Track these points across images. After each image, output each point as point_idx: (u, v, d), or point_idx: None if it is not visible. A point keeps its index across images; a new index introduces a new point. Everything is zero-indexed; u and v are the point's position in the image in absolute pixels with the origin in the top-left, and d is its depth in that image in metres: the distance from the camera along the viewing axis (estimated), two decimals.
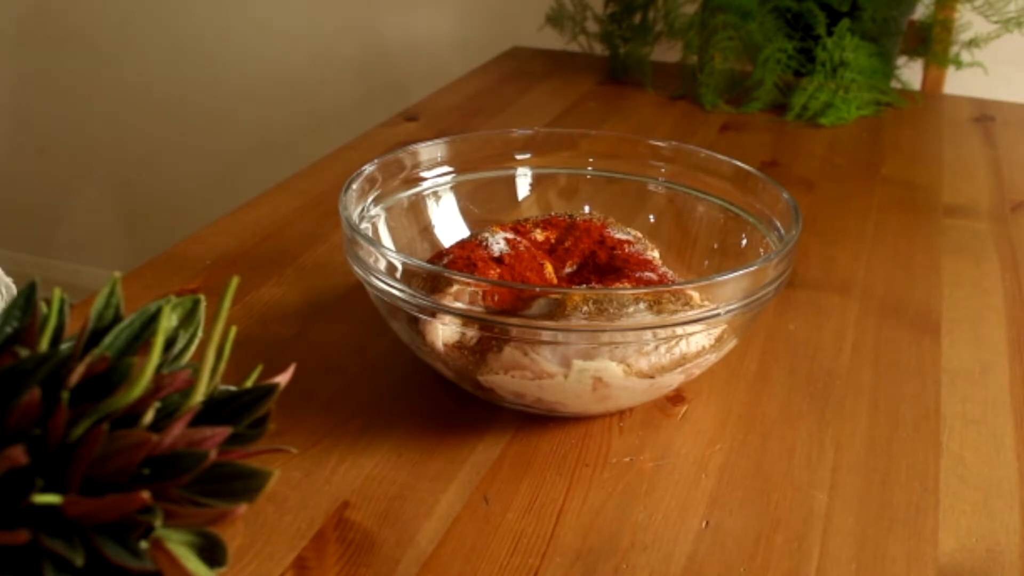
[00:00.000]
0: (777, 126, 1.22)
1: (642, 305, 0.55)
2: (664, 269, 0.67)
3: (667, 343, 0.57)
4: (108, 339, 0.35)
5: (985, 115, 1.29)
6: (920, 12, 1.40)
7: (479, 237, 0.67)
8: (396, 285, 0.57)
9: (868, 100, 1.26)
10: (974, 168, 1.10)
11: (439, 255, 0.66)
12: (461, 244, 0.67)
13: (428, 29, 1.84)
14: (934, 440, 0.61)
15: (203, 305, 0.39)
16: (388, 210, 0.71)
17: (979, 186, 1.05)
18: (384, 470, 0.56)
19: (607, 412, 0.62)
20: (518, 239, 0.67)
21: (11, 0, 2.09)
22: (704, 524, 0.53)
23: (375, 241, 0.61)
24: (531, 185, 0.78)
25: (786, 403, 0.64)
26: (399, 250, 0.66)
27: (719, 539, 0.52)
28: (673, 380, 0.59)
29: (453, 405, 0.62)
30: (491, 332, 0.56)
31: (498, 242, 0.66)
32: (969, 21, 1.37)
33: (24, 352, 0.33)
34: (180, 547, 0.33)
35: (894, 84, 1.38)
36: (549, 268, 0.67)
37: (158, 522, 0.32)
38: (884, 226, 0.93)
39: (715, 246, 0.73)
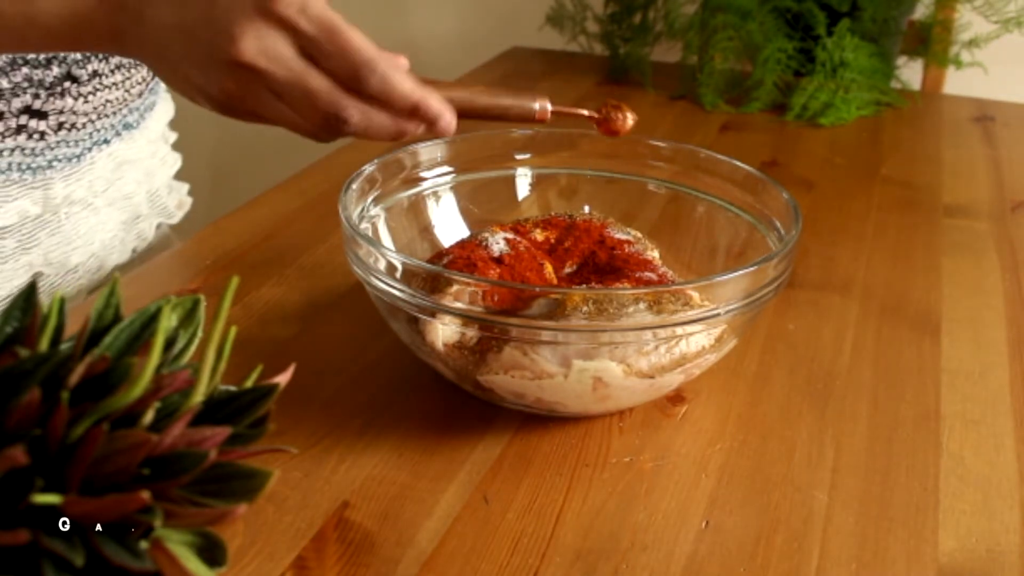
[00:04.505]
0: (777, 126, 1.22)
1: (642, 305, 0.55)
2: (664, 269, 0.67)
3: (667, 343, 0.57)
4: (108, 339, 0.35)
5: (985, 115, 1.29)
6: (920, 12, 1.40)
7: (479, 237, 0.67)
8: (396, 285, 0.57)
9: (868, 100, 1.26)
10: (974, 168, 1.10)
11: (439, 255, 0.66)
12: (461, 244, 0.67)
13: (428, 29, 1.84)
14: (934, 440, 0.61)
15: (203, 305, 0.39)
16: (388, 210, 0.71)
17: (979, 186, 1.05)
18: (384, 470, 0.56)
19: (607, 412, 0.62)
20: (518, 239, 0.67)
21: None
22: (704, 524, 0.53)
23: (375, 241, 0.61)
24: (531, 185, 0.78)
25: (786, 403, 0.64)
26: (399, 250, 0.66)
27: (719, 539, 0.52)
28: (673, 380, 0.59)
29: (453, 405, 0.62)
30: (491, 332, 0.56)
31: (498, 242, 0.66)
32: (969, 21, 1.37)
33: (24, 352, 0.33)
34: (180, 547, 0.33)
35: (894, 84, 1.38)
36: (549, 268, 0.67)
37: (158, 522, 0.32)
38: (884, 226, 0.93)
39: (715, 246, 0.73)
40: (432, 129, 0.57)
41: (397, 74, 0.54)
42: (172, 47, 0.54)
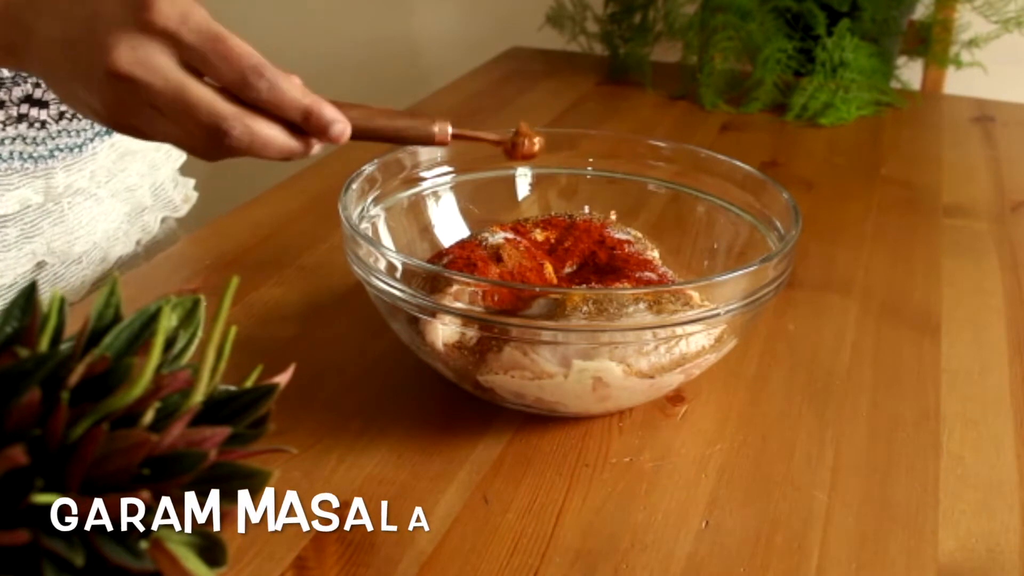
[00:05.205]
0: (777, 126, 1.22)
1: (642, 305, 0.55)
2: (664, 269, 0.67)
3: (667, 343, 0.57)
4: (108, 339, 0.35)
5: (985, 115, 1.29)
6: (920, 12, 1.40)
7: (479, 237, 0.67)
8: (396, 285, 0.57)
9: (868, 100, 1.26)
10: (974, 168, 1.10)
11: (439, 255, 0.66)
12: (461, 244, 0.67)
13: (428, 29, 1.84)
14: (934, 440, 0.61)
15: (203, 305, 0.39)
16: (388, 210, 0.71)
17: (979, 186, 1.05)
18: (384, 470, 0.56)
19: (607, 412, 0.62)
20: (518, 239, 0.67)
21: None
22: (704, 524, 0.53)
23: (375, 241, 0.61)
24: (531, 185, 0.78)
25: (786, 403, 0.64)
26: (399, 250, 0.66)
27: (719, 539, 0.52)
28: (673, 380, 0.59)
29: (453, 405, 0.62)
30: (491, 332, 0.56)
31: (498, 242, 0.66)
32: (969, 21, 1.37)
33: (24, 352, 0.33)
34: (180, 547, 0.33)
35: (894, 84, 1.38)
36: (549, 268, 0.67)
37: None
38: (884, 226, 0.93)
39: (715, 246, 0.73)
40: (324, 137, 0.55)
41: (287, 81, 0.53)
42: (59, 62, 0.54)
